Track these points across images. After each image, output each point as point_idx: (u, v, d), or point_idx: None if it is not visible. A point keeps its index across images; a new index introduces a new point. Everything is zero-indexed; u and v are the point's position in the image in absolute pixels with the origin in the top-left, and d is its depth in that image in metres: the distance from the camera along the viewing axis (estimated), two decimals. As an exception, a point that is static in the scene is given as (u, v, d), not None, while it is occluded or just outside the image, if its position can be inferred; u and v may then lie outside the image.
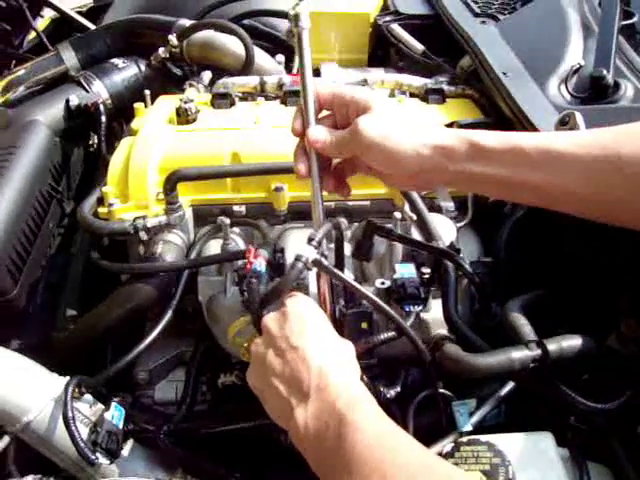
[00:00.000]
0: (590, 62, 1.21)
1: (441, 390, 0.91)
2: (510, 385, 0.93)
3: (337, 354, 0.73)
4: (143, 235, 1.10)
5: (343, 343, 0.76)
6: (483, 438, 0.79)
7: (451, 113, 1.29)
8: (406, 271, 1.04)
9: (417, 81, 1.39)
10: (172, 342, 1.17)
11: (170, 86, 1.52)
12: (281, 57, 1.53)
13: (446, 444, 0.88)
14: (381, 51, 1.72)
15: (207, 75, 1.52)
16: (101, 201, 1.16)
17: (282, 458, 1.08)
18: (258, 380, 0.76)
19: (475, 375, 0.85)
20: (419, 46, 1.49)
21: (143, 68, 1.50)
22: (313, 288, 1.03)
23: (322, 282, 0.89)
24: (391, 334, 0.92)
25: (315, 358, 0.69)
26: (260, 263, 0.91)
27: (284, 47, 1.65)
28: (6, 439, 1.08)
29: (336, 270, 0.90)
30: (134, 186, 1.14)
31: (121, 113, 1.47)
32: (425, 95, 1.34)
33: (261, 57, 1.47)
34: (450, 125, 1.23)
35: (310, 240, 0.86)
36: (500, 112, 1.22)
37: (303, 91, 0.80)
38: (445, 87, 1.36)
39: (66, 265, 1.29)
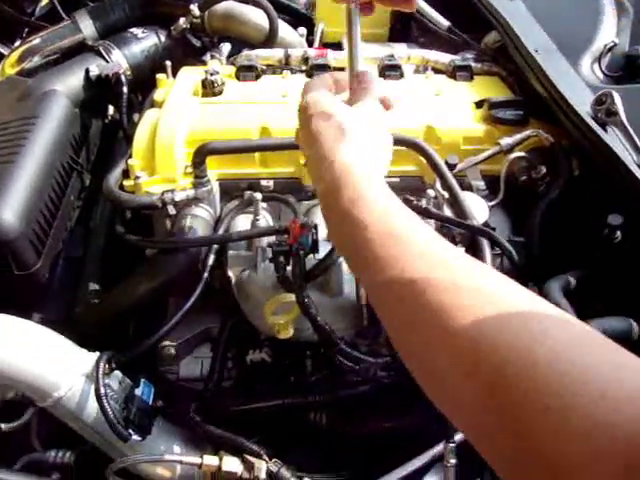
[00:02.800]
0: (624, 41, 1.20)
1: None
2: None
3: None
4: (171, 209, 1.08)
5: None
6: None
7: (480, 91, 1.27)
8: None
9: (443, 57, 1.37)
10: (198, 318, 1.15)
11: (189, 57, 1.48)
12: (303, 30, 1.50)
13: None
14: (399, 26, 1.68)
15: (226, 47, 1.49)
16: (126, 174, 1.14)
17: (309, 437, 1.08)
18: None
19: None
20: (444, 21, 1.46)
21: (163, 38, 1.46)
22: (345, 267, 1.02)
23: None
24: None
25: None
26: (308, 236, 0.90)
27: (302, 20, 1.62)
28: (29, 412, 1.09)
29: None
30: (161, 159, 1.11)
31: (140, 84, 1.44)
32: (453, 72, 1.32)
33: (284, 29, 1.44)
34: (480, 103, 1.21)
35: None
36: (530, 90, 1.20)
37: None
38: (472, 64, 1.34)
39: (86, 239, 1.27)
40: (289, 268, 0.97)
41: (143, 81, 1.43)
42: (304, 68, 1.34)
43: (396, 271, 0.47)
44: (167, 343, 1.13)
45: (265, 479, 0.97)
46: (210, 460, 0.96)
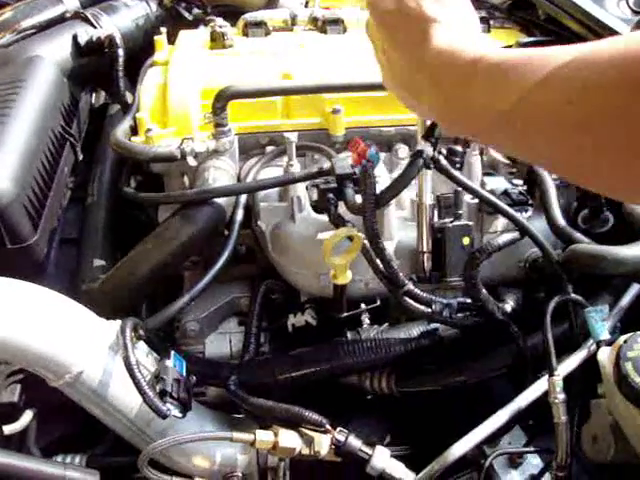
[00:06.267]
0: (647, -21, 1.17)
1: (572, 296, 0.80)
2: (636, 288, 0.84)
3: None
4: (191, 160, 0.95)
5: None
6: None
7: (501, 39, 1.21)
8: (496, 183, 0.95)
9: (455, 14, 1.31)
10: (222, 289, 1.02)
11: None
12: (302, -2, 1.42)
13: (584, 354, 0.78)
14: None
15: (219, 21, 1.40)
16: (134, 131, 1.01)
17: (363, 402, 0.95)
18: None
19: (619, 269, 0.76)
20: (449, -16, 1.41)
21: (154, 8, 1.35)
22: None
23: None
24: (513, 235, 0.82)
25: None
26: (375, 149, 0.79)
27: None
28: (29, 415, 0.92)
29: (454, 170, 0.80)
30: (175, 111, 1.00)
31: (131, 59, 1.31)
32: (470, 25, 1.26)
33: (285, -6, 1.36)
34: (509, 47, 1.15)
35: (428, 136, 0.75)
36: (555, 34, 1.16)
37: None
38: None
39: (83, 217, 1.13)
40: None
41: (134, 55, 1.31)
42: (312, 27, 1.26)
43: (556, 70, 0.43)
44: (189, 318, 0.99)
45: (327, 453, 0.84)
46: (264, 436, 0.82)
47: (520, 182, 0.94)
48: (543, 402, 0.78)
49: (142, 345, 0.86)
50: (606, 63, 0.40)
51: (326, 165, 0.91)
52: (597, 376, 0.75)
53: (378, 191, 0.82)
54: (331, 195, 0.85)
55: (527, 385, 0.81)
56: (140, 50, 1.32)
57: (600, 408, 0.75)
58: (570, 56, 0.43)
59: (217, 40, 1.10)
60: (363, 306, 0.91)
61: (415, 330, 0.88)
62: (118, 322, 0.84)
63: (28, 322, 0.78)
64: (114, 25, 1.27)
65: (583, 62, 0.42)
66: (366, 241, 0.82)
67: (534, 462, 0.86)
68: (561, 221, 0.87)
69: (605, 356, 0.71)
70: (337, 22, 1.20)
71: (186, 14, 1.38)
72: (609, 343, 0.75)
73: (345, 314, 0.89)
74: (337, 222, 0.85)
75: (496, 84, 0.49)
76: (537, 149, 0.47)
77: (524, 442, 0.89)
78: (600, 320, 0.78)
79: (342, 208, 0.88)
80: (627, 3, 1.14)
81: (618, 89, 0.39)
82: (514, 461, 0.85)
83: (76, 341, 0.80)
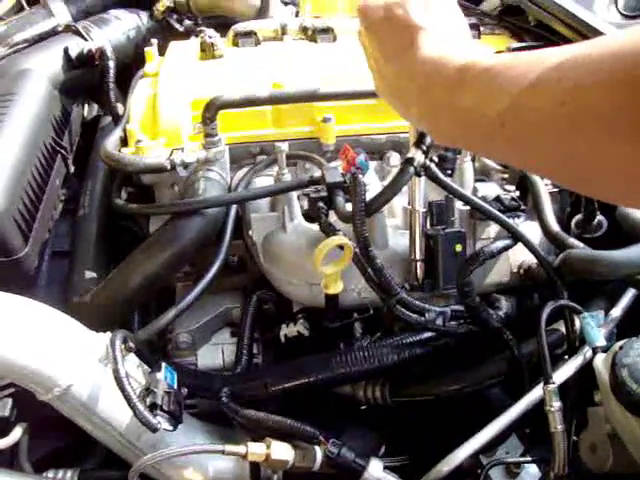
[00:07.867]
0: (636, -16, 1.17)
1: (566, 302, 0.79)
2: (631, 293, 0.83)
3: None
4: (181, 171, 0.94)
5: None
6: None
7: (492, 45, 1.21)
8: (488, 189, 0.94)
9: (447, 21, 1.31)
10: (214, 300, 1.01)
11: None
12: (293, 8, 1.42)
13: (580, 361, 0.77)
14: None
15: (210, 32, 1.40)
16: (124, 142, 1.01)
17: (357, 413, 0.94)
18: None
19: (614, 274, 0.75)
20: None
21: (145, 20, 1.35)
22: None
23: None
24: (506, 242, 0.81)
25: None
26: (364, 157, 0.78)
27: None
28: (19, 431, 0.91)
29: (446, 178, 0.79)
30: (165, 122, 1.00)
31: (122, 72, 1.31)
32: (461, 32, 1.26)
33: (276, 4, 1.36)
34: (500, 53, 1.15)
35: (419, 143, 0.74)
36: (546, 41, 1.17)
37: None
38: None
39: (74, 229, 1.12)
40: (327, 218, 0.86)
41: (126, 67, 1.31)
42: (302, 37, 1.26)
43: (545, 73, 0.42)
44: (181, 330, 0.98)
45: (321, 465, 0.82)
46: (257, 448, 0.81)
47: (512, 188, 0.94)
48: (540, 410, 0.77)
49: (132, 357, 0.85)
50: (599, 60, 0.39)
51: (317, 174, 0.91)
52: (594, 383, 0.75)
53: (368, 199, 0.82)
54: (322, 204, 0.85)
55: (523, 393, 0.80)
56: (131, 62, 1.32)
57: (597, 416, 0.74)
58: (558, 58, 0.42)
59: (207, 50, 1.10)
60: (356, 315, 0.90)
61: (408, 339, 0.87)
62: (108, 334, 0.83)
63: (17, 335, 0.77)
64: (105, 37, 1.27)
65: (574, 62, 0.41)
66: (357, 250, 0.81)
67: (531, 472, 0.84)
68: (555, 226, 0.86)
69: (601, 363, 0.70)
70: (327, 31, 1.20)
71: (177, 26, 1.38)
72: (605, 349, 0.74)
73: (338, 324, 0.88)
74: (328, 231, 0.84)
75: (485, 91, 0.48)
76: (530, 155, 0.46)
77: (521, 451, 0.88)
78: (596, 326, 0.77)
79: (334, 217, 0.87)
80: (616, 7, 1.14)
81: (613, 86, 0.37)
82: (511, 471, 0.84)
83: (65, 354, 0.79)
